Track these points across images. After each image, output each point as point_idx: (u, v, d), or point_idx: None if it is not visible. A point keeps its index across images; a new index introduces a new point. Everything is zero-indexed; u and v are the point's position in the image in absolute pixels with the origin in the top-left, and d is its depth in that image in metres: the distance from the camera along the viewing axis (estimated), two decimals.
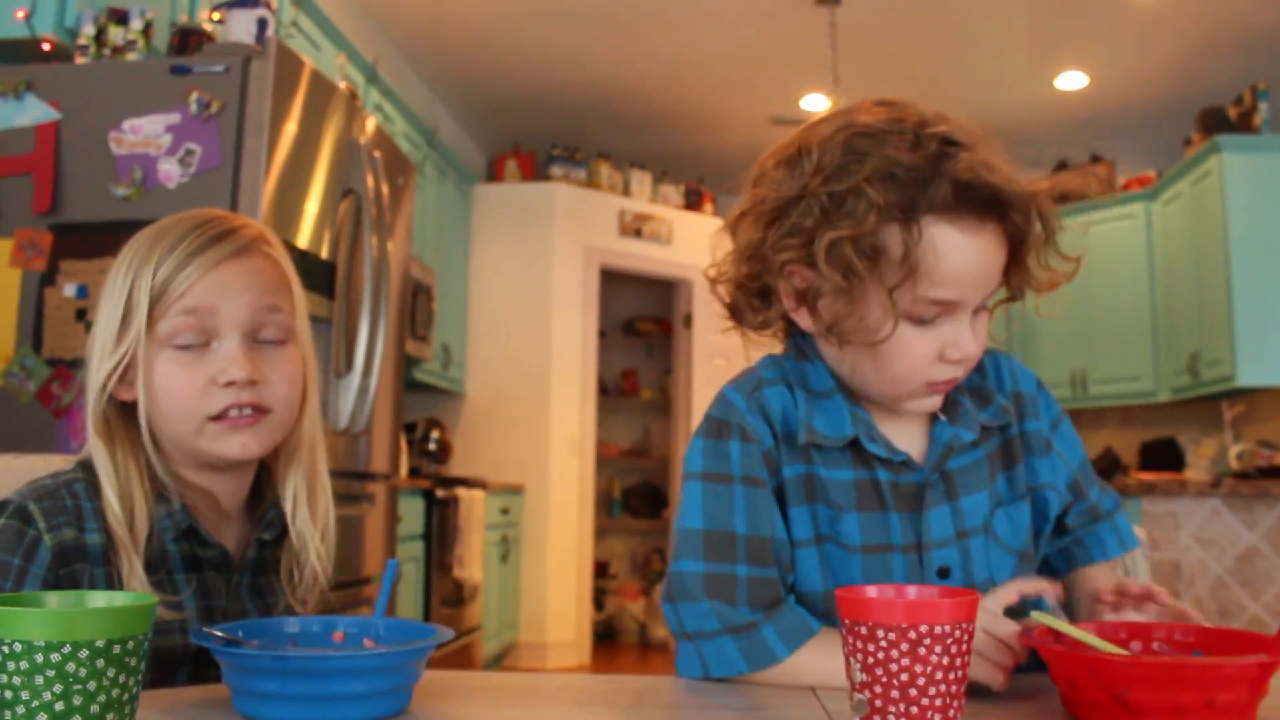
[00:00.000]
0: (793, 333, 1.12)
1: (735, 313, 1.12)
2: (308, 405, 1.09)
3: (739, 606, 1.01)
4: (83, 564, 0.96)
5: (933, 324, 0.98)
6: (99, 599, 0.71)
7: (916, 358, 0.99)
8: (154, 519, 0.99)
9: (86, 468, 1.01)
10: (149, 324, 0.99)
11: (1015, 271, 1.02)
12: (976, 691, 0.91)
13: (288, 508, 1.08)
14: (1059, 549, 1.20)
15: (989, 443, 1.11)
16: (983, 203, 0.94)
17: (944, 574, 1.07)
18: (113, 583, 0.96)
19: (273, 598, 1.08)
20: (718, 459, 1.05)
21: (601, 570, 6.85)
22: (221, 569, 1.05)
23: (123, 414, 1.02)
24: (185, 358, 1.00)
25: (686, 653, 1.03)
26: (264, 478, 1.11)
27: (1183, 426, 5.60)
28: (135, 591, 0.93)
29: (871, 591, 0.80)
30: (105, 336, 1.01)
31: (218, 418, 1.00)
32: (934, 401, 1.04)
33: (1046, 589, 1.02)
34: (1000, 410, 1.10)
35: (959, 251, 0.94)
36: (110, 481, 0.98)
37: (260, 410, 1.01)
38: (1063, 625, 0.89)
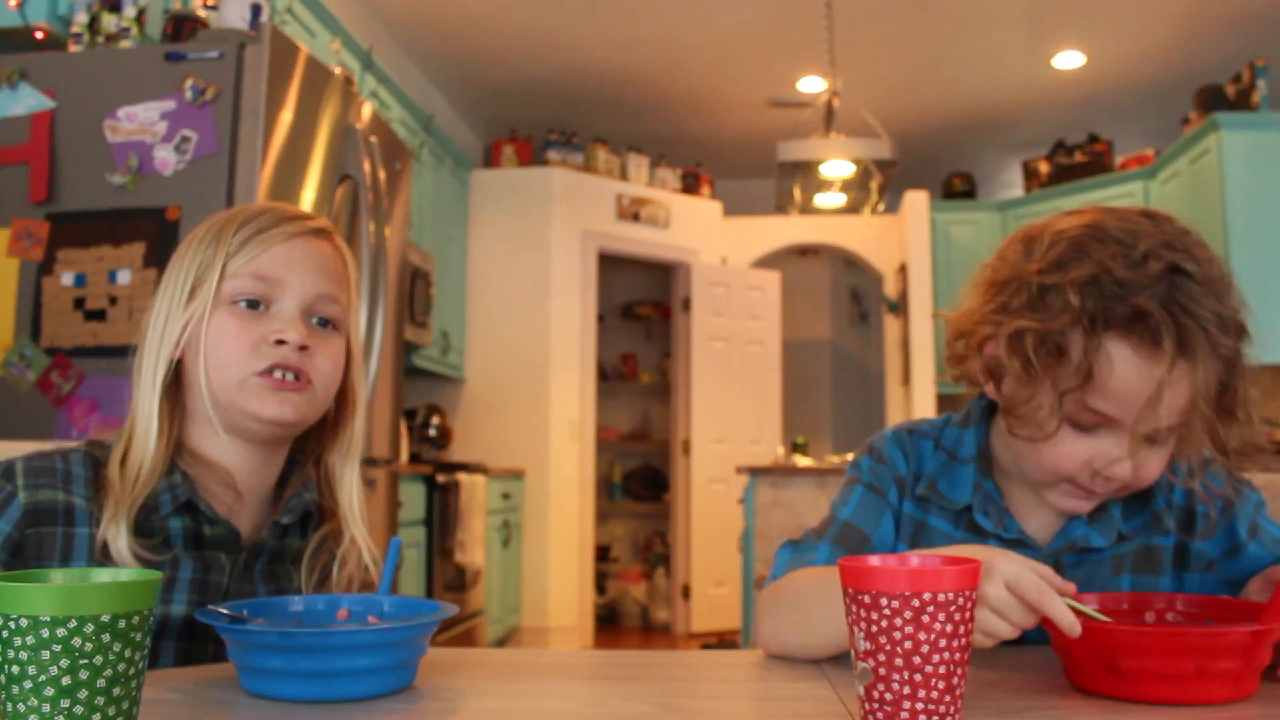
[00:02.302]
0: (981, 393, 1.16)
1: (953, 359, 1.15)
2: (359, 404, 1.12)
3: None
4: (52, 526, 0.96)
5: (1092, 433, 1.00)
6: (104, 575, 0.71)
7: (1065, 458, 1.01)
8: (157, 490, 1.00)
9: (94, 444, 1.03)
10: (216, 288, 1.02)
11: (1216, 422, 0.99)
12: (979, 659, 0.91)
13: (344, 502, 1.10)
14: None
15: (1122, 546, 1.11)
16: (1160, 333, 0.93)
17: None
18: (93, 544, 0.96)
19: (286, 584, 1.07)
20: (854, 470, 1.18)
21: (603, 554, 6.87)
22: (229, 549, 1.03)
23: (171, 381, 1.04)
24: (243, 314, 1.02)
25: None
26: (292, 467, 1.12)
27: None
28: (110, 540, 0.95)
29: (874, 560, 0.80)
30: (171, 303, 1.03)
31: (263, 374, 1.01)
32: (1075, 505, 1.05)
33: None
34: (1149, 521, 1.11)
35: (1126, 369, 0.95)
36: (149, 440, 1.00)
37: (304, 379, 1.03)
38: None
